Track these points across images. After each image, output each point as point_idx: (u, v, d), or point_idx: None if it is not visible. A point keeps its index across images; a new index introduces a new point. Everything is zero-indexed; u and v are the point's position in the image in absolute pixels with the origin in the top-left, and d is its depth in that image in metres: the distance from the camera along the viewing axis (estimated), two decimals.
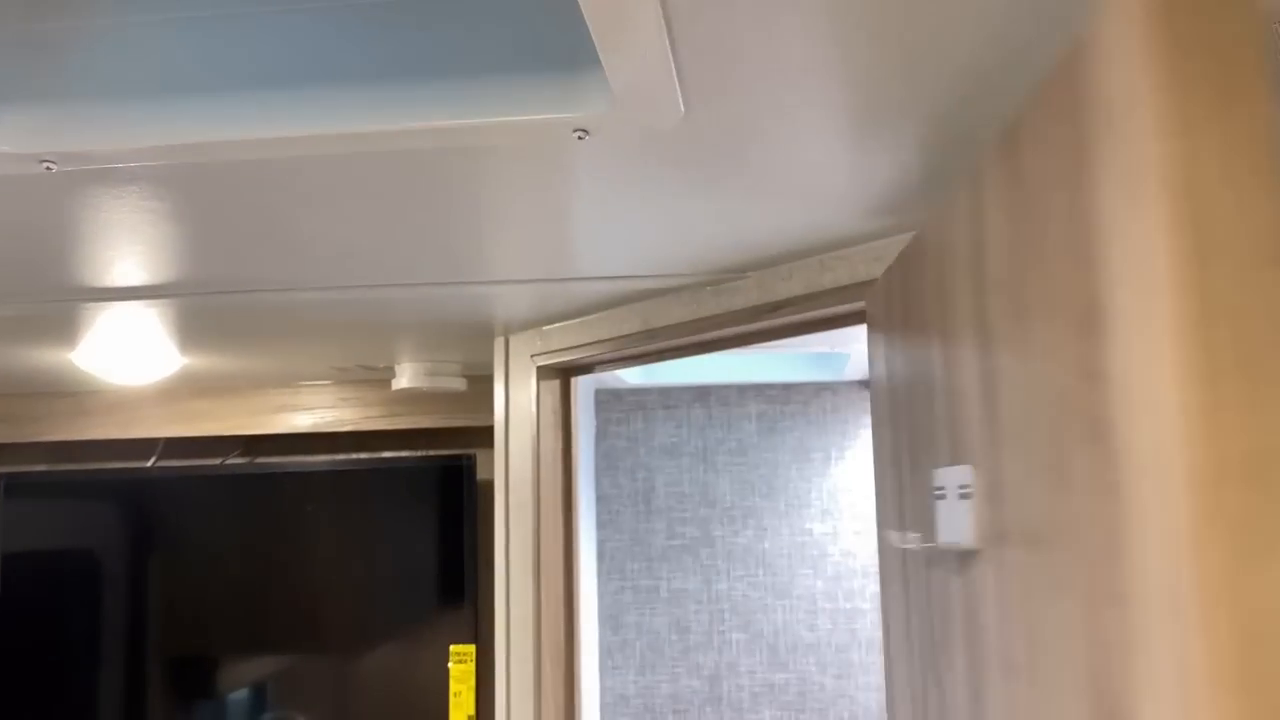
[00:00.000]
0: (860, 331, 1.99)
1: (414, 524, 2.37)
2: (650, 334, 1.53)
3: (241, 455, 2.55)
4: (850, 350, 2.06)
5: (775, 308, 1.34)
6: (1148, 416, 0.50)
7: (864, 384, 2.59)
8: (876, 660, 2.52)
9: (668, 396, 2.64)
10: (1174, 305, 0.48)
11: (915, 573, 1.00)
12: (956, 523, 0.76)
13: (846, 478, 2.58)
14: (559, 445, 1.74)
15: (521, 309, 1.73)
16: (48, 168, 0.89)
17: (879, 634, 2.52)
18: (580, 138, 0.85)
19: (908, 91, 0.83)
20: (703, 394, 2.64)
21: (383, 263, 1.38)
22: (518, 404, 1.78)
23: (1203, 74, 0.48)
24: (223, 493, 2.46)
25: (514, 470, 1.77)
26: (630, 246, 1.32)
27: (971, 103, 0.86)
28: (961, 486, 0.75)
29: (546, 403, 1.75)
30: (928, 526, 0.93)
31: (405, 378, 2.13)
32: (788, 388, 2.61)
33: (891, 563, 1.11)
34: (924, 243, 0.89)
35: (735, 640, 2.57)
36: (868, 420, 2.59)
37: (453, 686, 2.27)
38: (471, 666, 2.27)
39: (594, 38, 0.66)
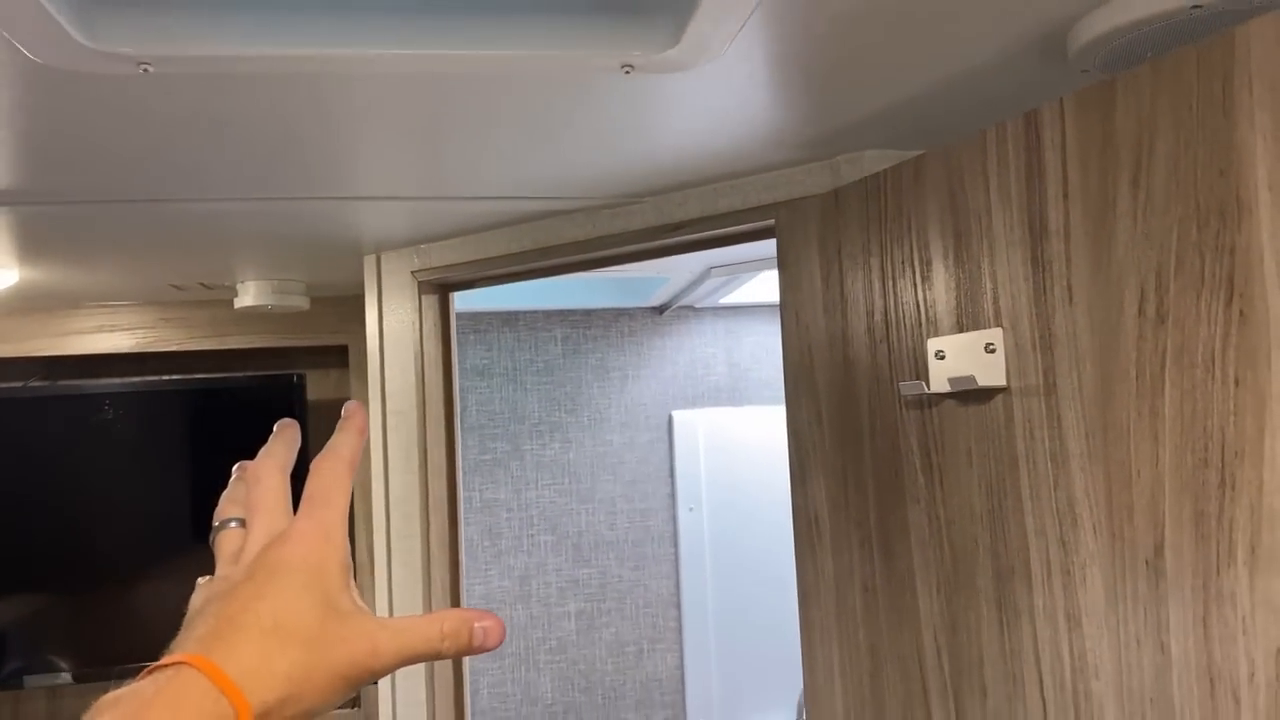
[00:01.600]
0: (678, 261, 2.27)
1: (240, 445, 2.40)
2: (544, 251, 1.73)
3: (43, 379, 2.46)
4: (670, 275, 2.34)
5: (674, 228, 1.58)
6: None
7: (657, 309, 2.89)
8: (669, 551, 2.86)
9: (478, 321, 2.81)
10: None
11: (882, 420, 1.29)
12: (986, 370, 1.06)
13: (642, 393, 2.88)
14: (440, 355, 1.90)
15: (400, 227, 1.85)
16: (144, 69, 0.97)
17: (670, 529, 2.86)
18: (627, 72, 1.05)
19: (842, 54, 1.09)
20: (511, 319, 2.83)
21: (266, 177, 1.45)
22: (396, 318, 1.91)
23: None
24: (23, 417, 2.38)
25: (392, 380, 1.90)
26: (535, 169, 1.48)
27: (876, 78, 1.13)
28: (988, 345, 1.05)
29: (429, 316, 1.89)
30: (906, 383, 1.22)
31: (250, 296, 2.17)
32: (589, 313, 2.86)
33: (814, 432, 1.40)
34: (944, 160, 1.15)
35: (543, 542, 2.81)
36: (659, 342, 2.90)
37: None
38: None
39: None
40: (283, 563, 0.57)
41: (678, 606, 2.85)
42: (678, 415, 2.87)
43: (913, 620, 1.21)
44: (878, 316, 1.25)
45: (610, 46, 1.02)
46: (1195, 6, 0.93)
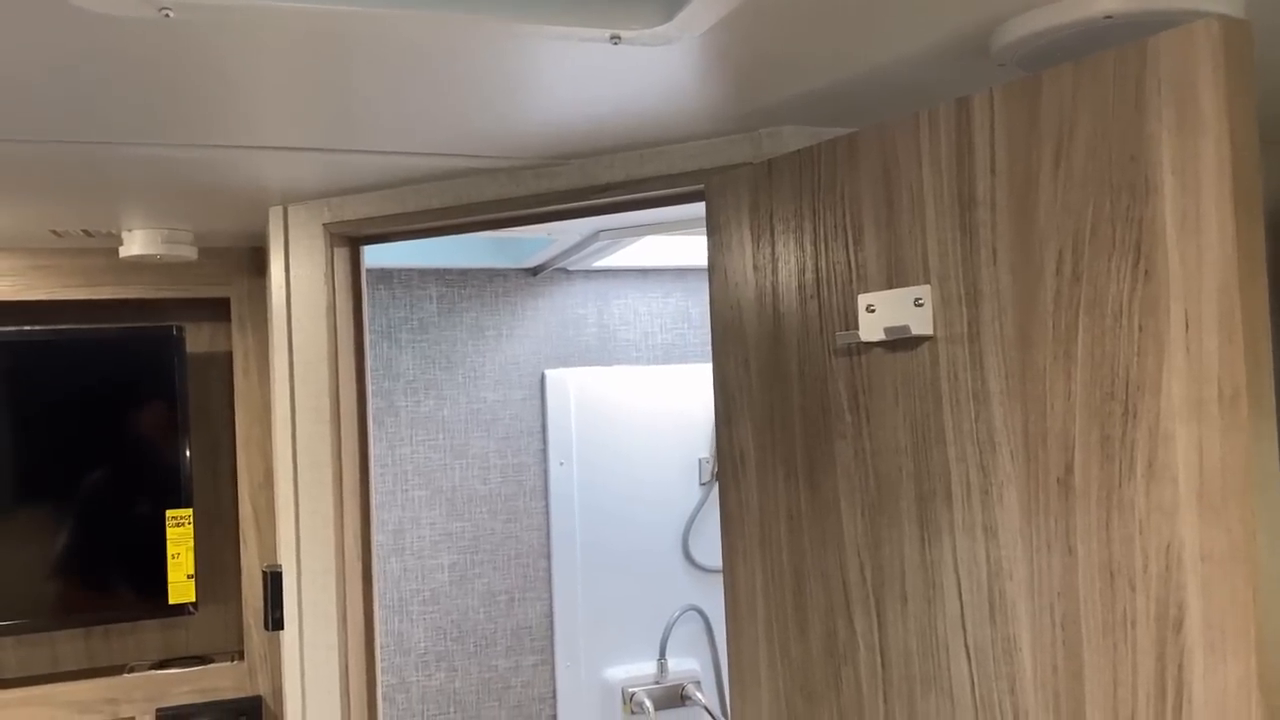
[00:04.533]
0: (569, 222, 2.36)
1: (117, 399, 2.34)
2: (465, 208, 1.79)
3: None
4: (557, 236, 2.43)
5: (601, 190, 1.68)
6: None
7: (531, 271, 2.97)
8: (540, 505, 2.96)
9: None
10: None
11: (811, 366, 1.43)
12: (916, 321, 1.21)
13: (515, 352, 2.96)
14: (351, 306, 1.93)
15: (310, 178, 1.86)
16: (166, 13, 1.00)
17: (542, 483, 2.96)
18: (615, 42, 1.15)
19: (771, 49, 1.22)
20: (385, 276, 2.85)
21: (167, 122, 1.44)
22: (305, 270, 1.93)
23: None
24: None
25: (301, 332, 1.92)
26: (458, 128, 1.52)
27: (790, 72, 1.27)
28: (917, 300, 1.21)
29: (340, 268, 1.92)
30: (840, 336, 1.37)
31: (137, 245, 2.13)
32: (464, 273, 2.91)
33: (744, 379, 1.53)
34: (878, 137, 1.29)
35: (417, 497, 2.86)
36: (533, 302, 2.98)
37: (171, 549, 2.33)
38: (189, 529, 2.35)
39: None
40: None
41: (548, 557, 2.96)
42: (550, 374, 2.97)
43: (836, 541, 1.37)
44: (809, 275, 1.39)
45: (602, 18, 1.12)
46: (1107, 16, 1.11)
